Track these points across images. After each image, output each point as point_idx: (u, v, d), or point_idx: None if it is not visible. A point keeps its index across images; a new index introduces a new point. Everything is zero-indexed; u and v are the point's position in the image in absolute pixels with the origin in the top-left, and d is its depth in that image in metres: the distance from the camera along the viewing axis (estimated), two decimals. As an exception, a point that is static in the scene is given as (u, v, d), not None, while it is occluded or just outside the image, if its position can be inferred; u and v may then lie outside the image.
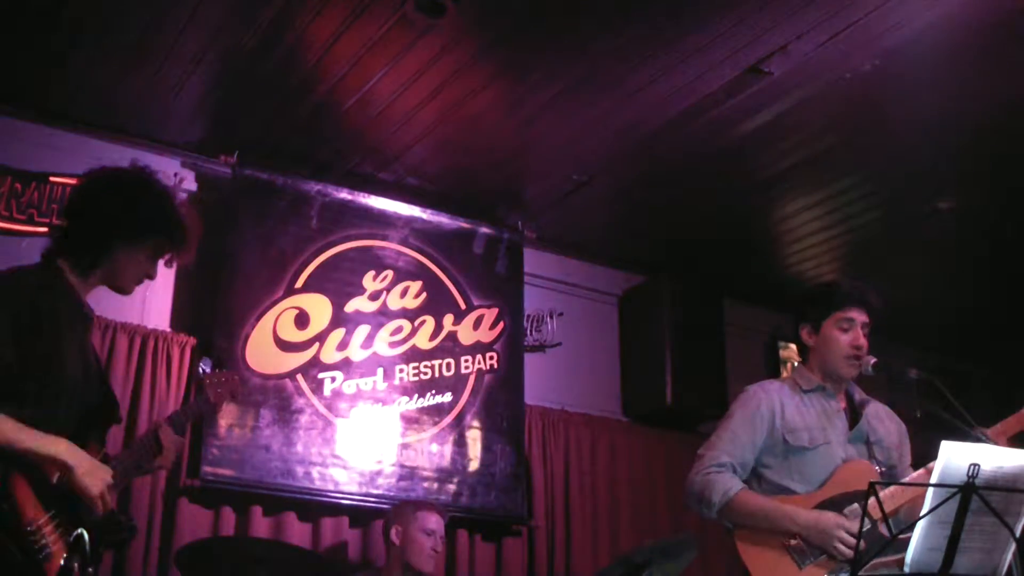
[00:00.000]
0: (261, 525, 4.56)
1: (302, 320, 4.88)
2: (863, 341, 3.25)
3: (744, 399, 3.32)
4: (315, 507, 4.71)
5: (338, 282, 5.02)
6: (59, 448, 2.43)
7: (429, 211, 5.34)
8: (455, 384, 5.19)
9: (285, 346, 4.81)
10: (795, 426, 3.21)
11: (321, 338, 4.89)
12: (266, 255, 4.87)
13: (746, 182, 5.19)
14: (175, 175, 4.79)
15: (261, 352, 4.73)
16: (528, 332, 5.60)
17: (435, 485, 4.97)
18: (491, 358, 5.33)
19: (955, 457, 2.48)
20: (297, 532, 4.62)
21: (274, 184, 4.96)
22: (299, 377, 4.79)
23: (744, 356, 6.27)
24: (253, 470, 4.55)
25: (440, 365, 5.17)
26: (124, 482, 2.80)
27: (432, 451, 5.02)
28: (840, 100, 4.43)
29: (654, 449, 5.80)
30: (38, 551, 2.33)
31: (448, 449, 5.06)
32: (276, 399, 4.71)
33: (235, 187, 4.88)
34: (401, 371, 5.06)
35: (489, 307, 5.41)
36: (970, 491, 2.44)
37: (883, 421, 3.33)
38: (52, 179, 4.49)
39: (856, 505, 2.99)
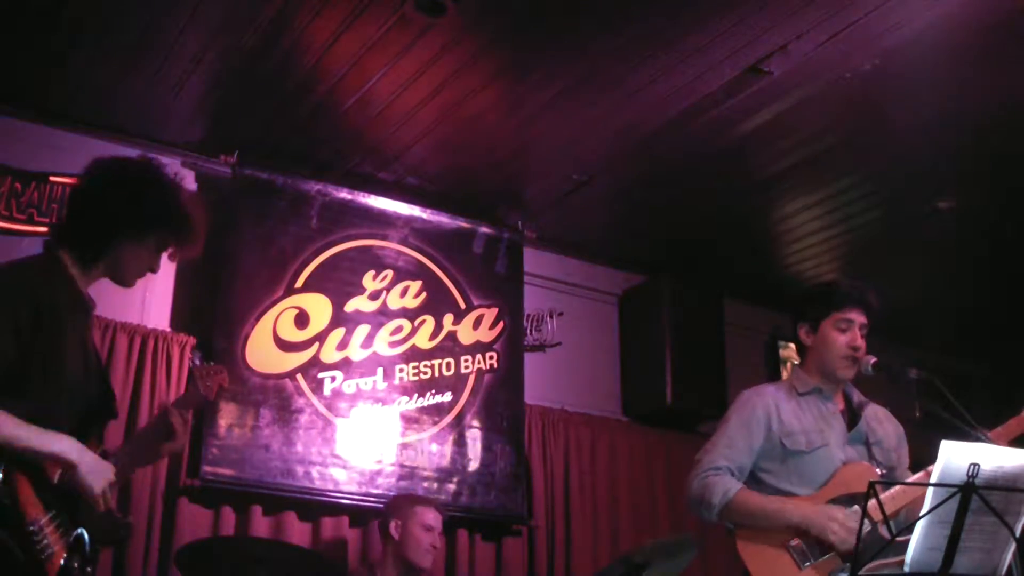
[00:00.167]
0: (261, 525, 4.56)
1: (302, 320, 4.88)
2: (861, 342, 3.25)
3: (739, 404, 3.33)
4: (315, 507, 4.71)
5: (338, 282, 5.02)
6: (62, 445, 2.40)
7: (429, 211, 5.34)
8: (455, 384, 5.19)
9: (285, 346, 4.81)
10: (792, 430, 3.21)
11: (321, 338, 4.89)
12: (266, 255, 4.87)
13: (746, 182, 5.19)
14: (175, 175, 4.74)
15: (261, 352, 4.73)
16: (528, 332, 5.60)
17: (435, 485, 4.97)
18: (491, 358, 5.33)
19: (955, 457, 2.48)
20: (297, 532, 4.62)
21: (274, 184, 4.96)
22: (299, 377, 4.79)
23: (744, 356, 6.27)
24: (253, 470, 4.55)
25: (440, 365, 5.17)
26: (124, 478, 2.79)
27: (432, 451, 5.02)
28: (840, 100, 4.43)
29: (654, 449, 5.80)
30: (40, 551, 2.32)
31: (448, 449, 5.06)
32: (276, 399, 4.71)
33: (235, 187, 4.88)
34: (401, 371, 5.06)
35: (489, 307, 5.41)
36: (970, 491, 2.44)
37: (882, 423, 3.33)
38: (52, 179, 4.49)
39: (857, 507, 2.98)
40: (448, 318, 5.27)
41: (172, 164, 4.79)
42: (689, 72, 4.26)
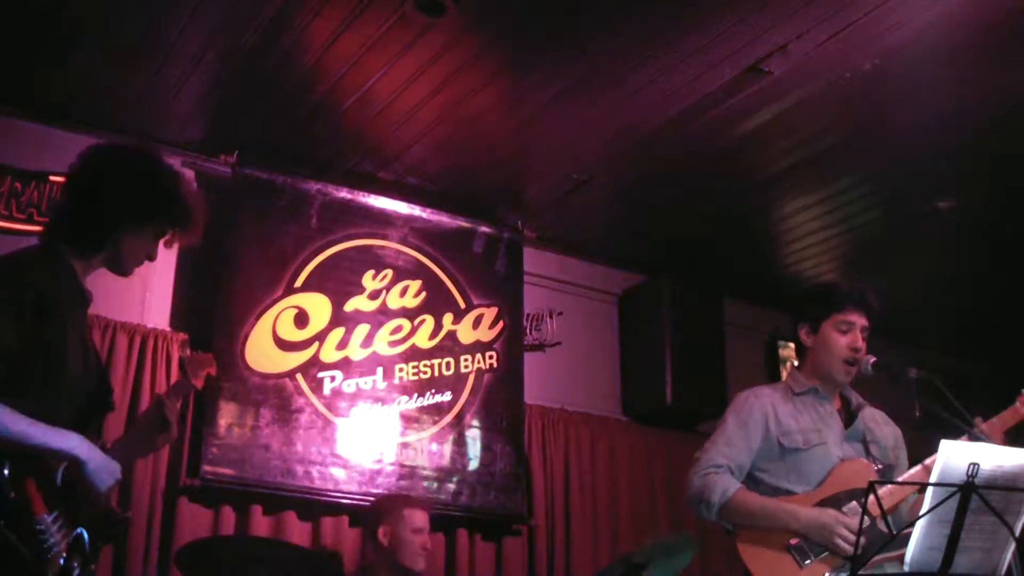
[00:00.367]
0: (261, 524, 4.56)
1: (302, 319, 4.88)
2: (861, 344, 3.25)
3: (736, 405, 3.34)
4: (315, 506, 4.71)
5: (338, 281, 5.02)
6: (71, 443, 2.38)
7: (429, 210, 5.35)
8: (455, 383, 5.19)
9: (285, 345, 4.81)
10: (789, 429, 3.22)
11: (321, 337, 4.89)
12: (266, 254, 4.87)
13: (746, 182, 5.19)
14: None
15: (261, 351, 4.73)
16: (528, 331, 5.60)
17: (435, 484, 4.97)
18: (491, 357, 5.33)
19: (955, 456, 2.48)
20: (297, 531, 4.62)
21: (274, 183, 4.96)
22: (299, 376, 4.79)
23: (744, 356, 6.28)
24: (253, 469, 4.55)
25: (440, 364, 5.17)
26: (124, 472, 2.78)
27: (432, 450, 5.02)
28: (840, 100, 4.43)
29: (654, 449, 5.80)
30: (46, 551, 2.31)
31: (448, 448, 5.07)
32: (276, 398, 4.71)
33: (235, 186, 4.88)
34: (401, 370, 5.06)
35: (489, 306, 5.41)
36: (970, 490, 2.44)
37: (879, 424, 3.34)
38: (52, 178, 4.49)
39: (855, 503, 2.99)
40: (448, 317, 5.27)
41: (172, 164, 4.80)
42: (689, 72, 4.26)
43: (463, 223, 5.45)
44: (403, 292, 5.18)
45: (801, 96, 4.41)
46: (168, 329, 4.68)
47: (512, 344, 5.43)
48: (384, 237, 5.20)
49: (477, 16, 3.95)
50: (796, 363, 3.47)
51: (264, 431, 4.63)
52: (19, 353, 2.34)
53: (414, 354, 5.12)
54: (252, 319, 4.75)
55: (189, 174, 4.88)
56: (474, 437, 5.16)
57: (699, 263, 6.02)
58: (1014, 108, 4.45)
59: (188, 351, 3.03)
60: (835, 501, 3.05)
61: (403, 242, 5.25)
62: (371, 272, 5.12)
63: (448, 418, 5.12)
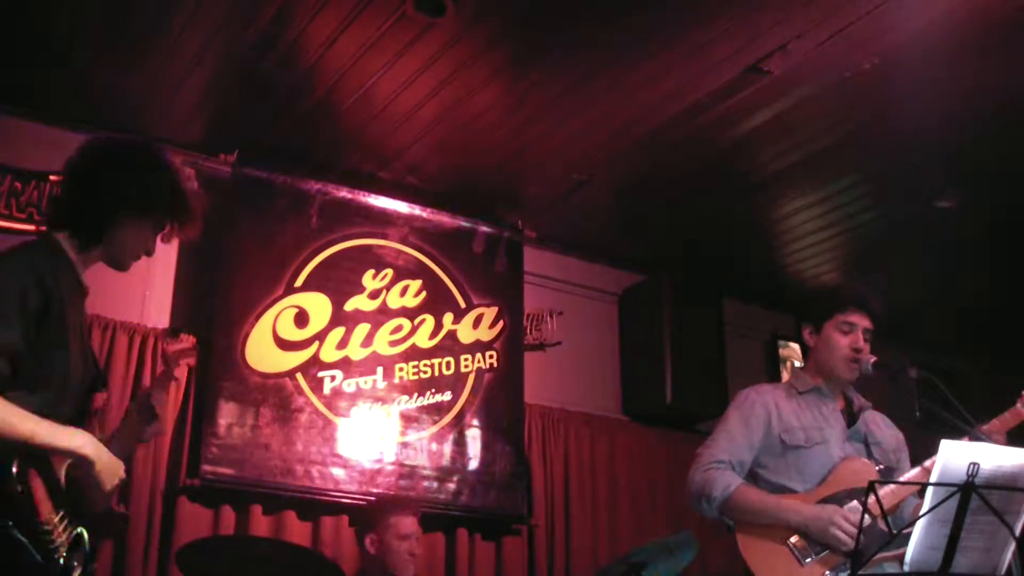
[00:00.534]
0: (261, 524, 4.56)
1: (302, 319, 4.88)
2: (863, 344, 3.26)
3: (739, 401, 3.35)
4: (315, 506, 4.71)
5: (338, 281, 5.02)
6: (78, 442, 2.38)
7: (429, 210, 5.35)
8: (455, 383, 5.19)
9: (285, 345, 4.81)
10: (791, 426, 3.23)
11: (321, 337, 4.89)
12: (266, 254, 4.87)
13: (746, 182, 5.19)
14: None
15: (261, 351, 4.73)
16: (528, 331, 5.60)
17: (435, 484, 4.97)
18: (491, 357, 5.33)
19: (954, 456, 2.48)
20: (297, 531, 4.62)
21: (274, 183, 4.96)
22: (299, 376, 4.79)
23: (744, 355, 6.28)
24: (253, 469, 4.56)
25: (440, 364, 5.17)
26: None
27: (432, 450, 5.02)
28: (840, 99, 4.43)
29: (654, 448, 5.81)
30: (53, 551, 2.31)
31: (448, 448, 5.07)
32: (276, 398, 4.71)
33: (235, 186, 4.88)
34: (401, 370, 5.06)
35: (489, 306, 5.41)
36: (970, 490, 2.44)
37: (881, 427, 3.35)
38: (52, 178, 4.49)
39: (856, 502, 3.00)
40: (448, 317, 5.27)
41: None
42: (689, 72, 4.26)
43: (463, 223, 5.45)
44: (403, 292, 5.18)
45: (801, 96, 4.41)
46: (187, 339, 4.66)
47: (512, 344, 5.43)
48: (384, 237, 5.20)
49: (477, 16, 3.95)
50: (797, 363, 3.48)
51: (264, 431, 4.63)
52: (24, 351, 2.33)
53: (414, 354, 5.12)
54: (252, 319, 4.75)
55: (189, 173, 4.89)
56: (474, 437, 5.16)
57: (699, 263, 6.02)
58: (1014, 108, 4.45)
59: (169, 342, 3.02)
60: (836, 500, 3.06)
61: (403, 242, 5.25)
62: (371, 272, 5.12)
63: (448, 418, 5.12)
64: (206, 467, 4.46)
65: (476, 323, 5.35)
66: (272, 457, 4.62)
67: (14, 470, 2.24)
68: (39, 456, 2.32)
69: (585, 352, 5.87)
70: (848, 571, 2.82)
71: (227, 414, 4.57)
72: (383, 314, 5.09)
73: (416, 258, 5.27)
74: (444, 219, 5.39)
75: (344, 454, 4.79)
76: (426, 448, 5.01)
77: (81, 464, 2.39)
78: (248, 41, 4.11)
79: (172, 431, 4.51)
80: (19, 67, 4.31)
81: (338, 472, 4.75)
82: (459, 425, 5.14)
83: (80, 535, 2.43)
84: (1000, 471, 2.49)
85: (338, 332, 4.94)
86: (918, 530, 2.55)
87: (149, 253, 2.70)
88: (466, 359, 5.26)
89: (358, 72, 4.30)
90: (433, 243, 5.33)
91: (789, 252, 5.96)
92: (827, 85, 4.31)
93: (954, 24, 3.91)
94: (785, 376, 6.08)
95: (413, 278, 5.23)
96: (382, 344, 5.04)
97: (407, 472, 4.91)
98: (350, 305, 5.02)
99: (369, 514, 4.24)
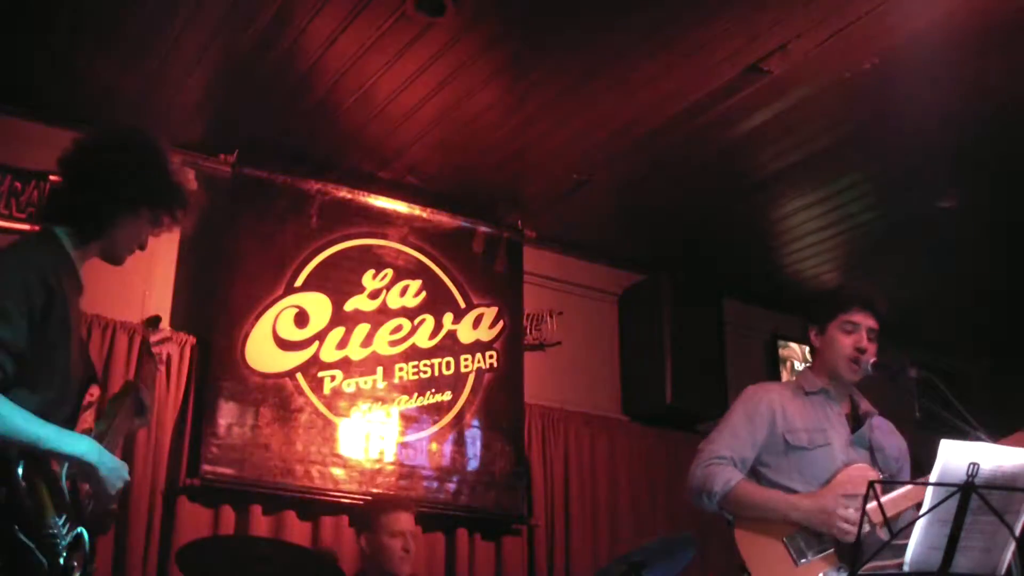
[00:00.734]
0: (261, 524, 4.56)
1: (302, 319, 4.88)
2: (866, 344, 3.25)
3: (744, 398, 3.35)
4: (315, 506, 4.71)
5: (338, 280, 5.02)
6: (83, 447, 2.38)
7: (429, 210, 5.35)
8: (455, 383, 5.19)
9: (285, 345, 4.81)
10: (795, 426, 3.22)
11: (321, 337, 4.89)
12: (266, 254, 4.87)
13: (746, 181, 5.19)
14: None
15: (261, 351, 4.73)
16: (528, 331, 5.60)
17: (435, 484, 4.97)
18: (491, 357, 5.33)
19: (954, 456, 2.47)
20: (297, 531, 4.62)
21: (274, 183, 4.96)
22: (299, 376, 4.79)
23: (744, 355, 6.27)
24: (253, 469, 4.55)
25: (440, 364, 5.17)
26: None
27: (432, 450, 5.02)
28: (840, 100, 4.43)
29: (654, 448, 5.81)
30: (57, 555, 2.31)
31: (448, 448, 5.06)
32: (276, 398, 4.71)
33: (234, 186, 4.88)
34: (401, 370, 5.06)
35: (488, 306, 5.41)
36: (970, 490, 2.44)
37: (885, 434, 3.34)
38: (52, 178, 4.48)
39: (859, 500, 2.99)
40: (448, 317, 5.27)
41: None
42: (689, 72, 4.26)
43: (463, 223, 5.45)
44: (403, 292, 5.18)
45: (801, 96, 4.41)
46: (168, 328, 4.67)
47: (512, 344, 5.43)
48: (384, 237, 5.20)
49: (477, 16, 3.94)
50: (797, 363, 3.48)
51: (264, 431, 4.63)
52: (27, 350, 2.33)
53: (414, 354, 5.12)
54: (252, 318, 4.75)
55: (189, 173, 4.89)
56: (474, 437, 5.16)
57: (699, 263, 6.02)
58: (1014, 108, 4.45)
59: (151, 332, 3.02)
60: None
61: (403, 242, 5.25)
62: (371, 272, 5.12)
63: (448, 418, 5.12)
64: (206, 467, 4.45)
65: (476, 323, 5.35)
66: (272, 457, 4.62)
67: (20, 472, 2.24)
68: (40, 458, 2.32)
69: (585, 352, 5.87)
70: (847, 572, 2.82)
71: (227, 414, 4.57)
72: (383, 314, 5.09)
73: (416, 258, 5.27)
74: (444, 219, 5.39)
75: (344, 454, 4.79)
76: (426, 448, 5.01)
77: (85, 470, 2.40)
78: (248, 41, 4.11)
79: (172, 431, 4.51)
80: (19, 67, 4.31)
81: (338, 472, 4.75)
82: (459, 425, 5.14)
83: (80, 535, 2.43)
84: (1000, 471, 2.49)
85: (338, 332, 4.94)
86: (918, 530, 2.55)
87: (142, 247, 2.70)
88: (466, 359, 5.26)
89: (358, 72, 4.30)
90: (433, 243, 5.33)
91: (789, 252, 5.96)
92: (827, 85, 4.31)
93: (954, 24, 3.91)
94: (785, 376, 6.09)
95: (413, 278, 5.23)
96: (382, 344, 5.04)
97: (407, 472, 4.91)
98: (350, 305, 5.02)
99: (363, 515, 4.27)
